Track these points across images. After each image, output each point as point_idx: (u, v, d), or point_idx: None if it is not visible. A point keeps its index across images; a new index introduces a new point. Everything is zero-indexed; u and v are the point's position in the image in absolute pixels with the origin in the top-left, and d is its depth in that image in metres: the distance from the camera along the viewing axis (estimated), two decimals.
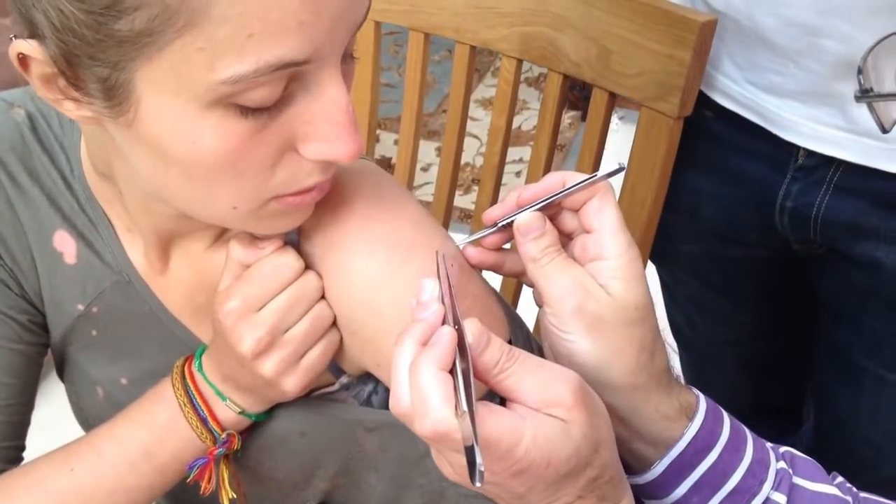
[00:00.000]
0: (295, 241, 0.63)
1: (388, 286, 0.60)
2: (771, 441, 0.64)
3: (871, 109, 0.51)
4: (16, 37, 0.51)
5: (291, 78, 0.50)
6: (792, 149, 0.89)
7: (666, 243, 1.01)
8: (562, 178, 0.61)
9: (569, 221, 0.62)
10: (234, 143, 0.50)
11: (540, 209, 0.60)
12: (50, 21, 0.47)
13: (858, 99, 0.50)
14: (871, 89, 0.50)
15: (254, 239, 0.62)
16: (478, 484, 0.44)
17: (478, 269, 0.66)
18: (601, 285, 0.58)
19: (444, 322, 0.51)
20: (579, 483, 0.51)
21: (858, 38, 0.77)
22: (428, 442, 0.50)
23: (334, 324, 0.63)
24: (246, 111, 0.49)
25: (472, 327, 0.51)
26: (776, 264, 1.01)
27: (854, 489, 0.63)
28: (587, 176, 0.60)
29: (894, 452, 0.97)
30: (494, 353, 0.51)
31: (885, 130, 0.52)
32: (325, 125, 0.51)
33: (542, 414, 0.50)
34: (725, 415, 0.62)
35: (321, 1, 0.47)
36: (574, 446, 0.50)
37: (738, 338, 1.13)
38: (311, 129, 0.52)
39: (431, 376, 0.48)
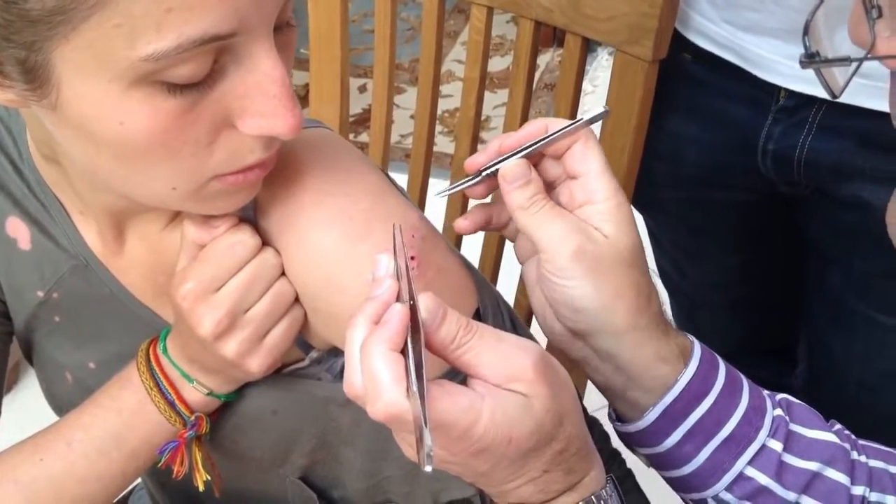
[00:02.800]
0: (251, 217, 0.61)
1: (347, 261, 0.59)
2: (765, 384, 0.63)
3: (819, 75, 0.48)
4: None
5: (221, 51, 0.48)
6: (773, 90, 0.86)
7: (650, 190, 0.99)
8: (544, 125, 0.59)
9: (551, 169, 0.61)
10: (163, 122, 0.48)
11: (523, 157, 0.59)
12: None
13: (804, 65, 0.47)
14: (818, 53, 0.47)
15: (207, 218, 0.60)
16: (427, 468, 0.43)
17: (471, 232, 0.64)
18: (593, 228, 0.57)
19: (398, 298, 0.50)
20: (544, 457, 0.50)
21: None
22: (383, 424, 0.49)
23: (297, 300, 0.61)
24: (174, 88, 0.47)
25: (426, 302, 0.49)
26: (763, 207, 1.00)
27: (853, 436, 0.62)
28: (570, 122, 0.58)
29: (887, 393, 0.96)
30: (451, 327, 0.49)
31: (834, 96, 0.49)
32: (261, 99, 0.50)
33: (503, 390, 0.48)
34: (721, 362, 0.61)
35: None
36: (536, 421, 0.48)
37: (727, 282, 1.11)
38: (248, 104, 0.50)
39: (381, 357, 0.46)
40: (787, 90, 0.85)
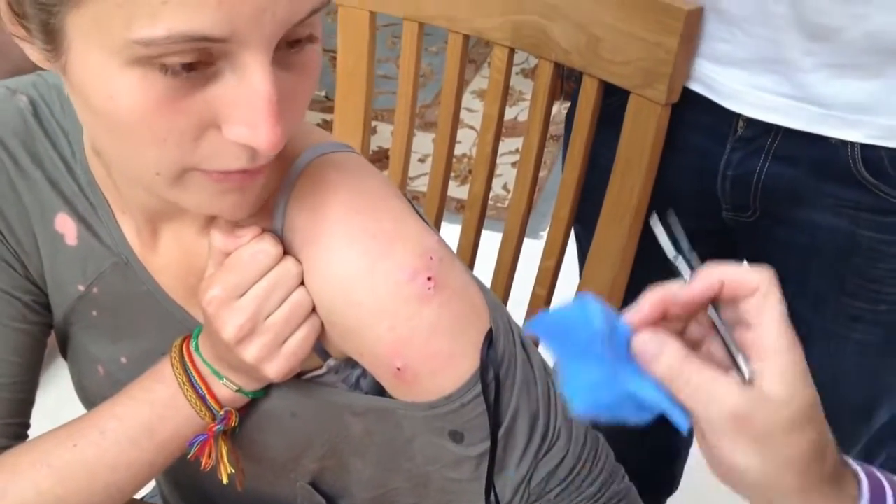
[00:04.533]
0: (279, 230, 0.64)
1: (366, 277, 0.61)
2: None
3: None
4: None
5: (219, 55, 0.50)
6: (732, 119, 0.90)
7: (591, 208, 1.01)
8: (719, 279, 0.55)
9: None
10: (150, 106, 0.50)
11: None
12: None
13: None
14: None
15: (233, 227, 0.63)
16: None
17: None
18: (763, 389, 0.52)
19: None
20: None
21: (806, 1, 0.79)
22: None
23: (315, 310, 0.64)
24: (167, 75, 0.49)
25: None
26: (699, 234, 1.02)
27: None
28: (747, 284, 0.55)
29: (845, 394, 0.99)
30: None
31: None
32: (246, 110, 0.51)
33: None
34: (888, 487, 0.57)
35: None
36: None
37: None
38: (233, 112, 0.52)
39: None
40: (745, 120, 0.89)
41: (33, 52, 0.54)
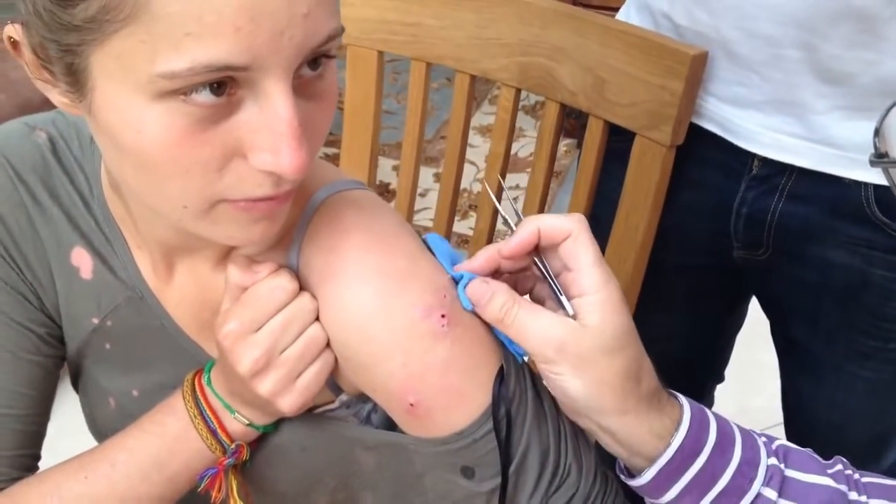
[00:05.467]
0: (295, 266, 0.65)
1: (380, 314, 0.62)
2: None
3: (886, 173, 0.53)
4: (12, 21, 0.54)
5: (240, 84, 0.51)
6: (747, 158, 0.92)
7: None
8: (536, 227, 0.63)
9: (553, 261, 0.65)
10: (176, 138, 0.51)
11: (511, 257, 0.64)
12: (26, 6, 0.51)
13: (873, 164, 0.51)
14: (887, 154, 0.51)
15: (250, 262, 0.64)
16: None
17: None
18: (580, 320, 0.61)
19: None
20: None
21: (820, 47, 0.81)
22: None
23: (329, 345, 0.65)
24: (190, 108, 0.51)
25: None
26: (712, 271, 1.04)
27: (854, 475, 0.65)
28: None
29: (853, 430, 1.00)
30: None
31: None
32: (269, 136, 0.52)
33: None
34: (711, 420, 0.64)
35: (260, 12, 0.49)
36: None
37: (652, 336, 1.14)
38: (257, 139, 0.53)
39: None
40: (761, 159, 0.90)
41: (58, 97, 0.56)
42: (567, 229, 0.62)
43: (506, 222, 0.67)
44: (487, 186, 0.80)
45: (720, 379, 1.28)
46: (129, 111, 0.52)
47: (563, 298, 0.62)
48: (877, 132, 0.53)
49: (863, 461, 1.05)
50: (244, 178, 0.55)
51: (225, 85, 0.51)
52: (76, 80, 0.53)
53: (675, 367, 1.06)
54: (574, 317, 0.62)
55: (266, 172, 0.54)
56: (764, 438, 0.66)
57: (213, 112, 0.51)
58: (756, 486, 0.62)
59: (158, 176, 0.54)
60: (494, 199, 0.71)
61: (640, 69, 0.91)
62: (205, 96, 0.50)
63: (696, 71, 0.88)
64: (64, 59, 0.52)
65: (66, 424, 0.81)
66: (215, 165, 0.53)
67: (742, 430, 0.65)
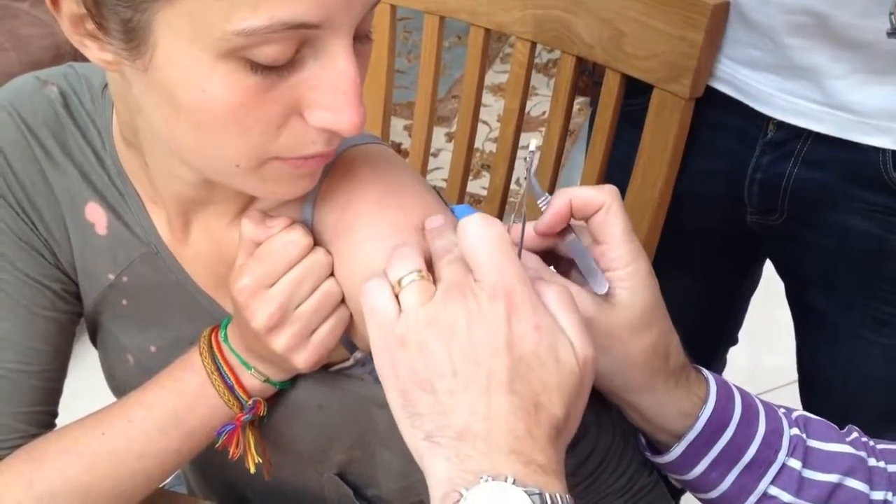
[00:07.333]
0: (309, 221, 0.64)
1: None
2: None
3: None
4: None
5: (303, 43, 0.51)
6: (762, 122, 0.90)
7: None
8: (568, 199, 0.61)
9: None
10: (241, 97, 0.51)
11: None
12: None
13: (890, 35, 0.51)
14: None
15: (264, 217, 0.63)
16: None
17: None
18: (609, 296, 0.60)
19: None
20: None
21: (834, 15, 0.79)
22: None
23: (344, 301, 0.64)
24: (256, 67, 0.51)
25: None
26: (722, 237, 1.03)
27: (870, 442, 0.65)
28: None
29: (870, 398, 0.99)
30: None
31: None
32: (331, 94, 0.53)
33: None
34: (736, 394, 0.64)
35: None
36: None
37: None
38: (318, 97, 0.53)
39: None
40: (776, 123, 0.89)
41: (98, 54, 0.54)
42: (600, 201, 0.61)
43: (523, 186, 0.65)
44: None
45: (734, 341, 1.28)
46: (194, 70, 0.51)
47: (601, 274, 0.60)
48: (892, 12, 0.53)
49: (880, 428, 1.04)
50: (299, 137, 0.55)
51: (293, 43, 0.50)
52: (133, 36, 0.51)
53: (688, 331, 1.06)
54: (608, 293, 0.60)
55: (321, 129, 0.54)
56: (783, 409, 0.66)
57: (274, 72, 0.51)
58: (781, 456, 0.62)
59: (216, 135, 0.54)
60: (528, 172, 0.66)
61: (659, 20, 0.89)
62: (273, 55, 0.50)
63: (716, 21, 0.87)
64: (122, 14, 0.50)
65: (82, 384, 0.81)
66: (275, 124, 0.54)
67: (762, 401, 0.65)
